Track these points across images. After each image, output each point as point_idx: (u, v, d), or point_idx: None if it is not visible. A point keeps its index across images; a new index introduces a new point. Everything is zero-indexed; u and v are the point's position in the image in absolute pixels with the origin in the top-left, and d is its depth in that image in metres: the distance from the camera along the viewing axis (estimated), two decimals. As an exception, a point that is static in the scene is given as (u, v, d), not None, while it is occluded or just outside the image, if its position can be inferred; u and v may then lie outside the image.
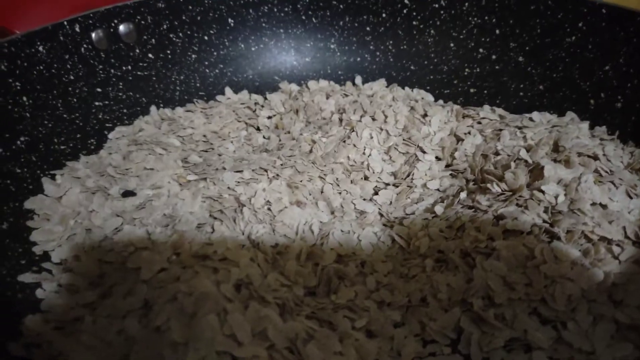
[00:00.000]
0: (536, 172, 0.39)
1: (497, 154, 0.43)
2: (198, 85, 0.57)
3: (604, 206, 0.36)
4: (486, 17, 0.52)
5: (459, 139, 0.46)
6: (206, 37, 0.57)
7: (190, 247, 0.35)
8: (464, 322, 0.33)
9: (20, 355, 0.31)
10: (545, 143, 0.41)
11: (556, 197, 0.37)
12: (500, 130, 0.45)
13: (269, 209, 0.40)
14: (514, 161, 0.41)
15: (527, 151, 0.42)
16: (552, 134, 0.43)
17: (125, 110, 0.52)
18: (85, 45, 0.49)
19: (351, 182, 0.45)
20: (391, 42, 0.57)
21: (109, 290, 0.34)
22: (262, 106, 0.55)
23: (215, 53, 0.57)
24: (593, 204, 0.36)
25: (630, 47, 0.44)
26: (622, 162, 0.40)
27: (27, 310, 0.33)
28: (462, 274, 0.35)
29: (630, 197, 0.37)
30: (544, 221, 0.36)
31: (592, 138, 0.43)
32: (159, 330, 0.29)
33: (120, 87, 0.52)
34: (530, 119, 0.46)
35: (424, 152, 0.46)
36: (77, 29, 0.48)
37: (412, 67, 0.57)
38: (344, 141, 0.48)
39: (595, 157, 0.39)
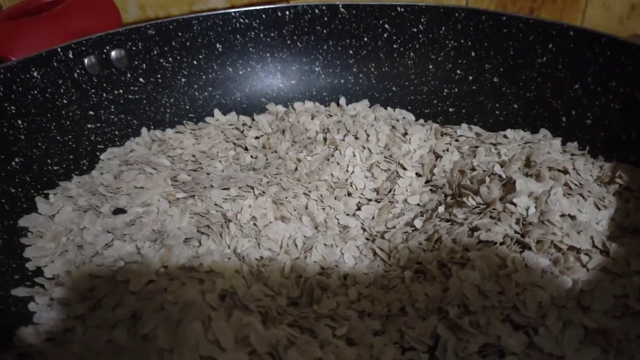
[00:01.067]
0: (509, 186, 0.41)
1: (473, 169, 0.45)
2: (187, 107, 0.59)
3: (572, 217, 0.38)
4: (462, 40, 0.55)
5: (438, 156, 0.48)
6: (195, 62, 0.59)
7: (177, 260, 0.36)
8: (441, 329, 0.34)
9: (13, 366, 0.32)
10: (518, 158, 0.43)
11: (527, 209, 0.39)
12: (477, 147, 0.47)
13: (254, 224, 0.42)
14: (489, 176, 0.43)
15: (501, 166, 0.44)
16: (524, 149, 0.45)
17: (116, 132, 0.54)
18: (78, 71, 0.51)
19: (335, 198, 0.47)
20: (373, 64, 0.60)
21: (99, 302, 0.35)
22: (250, 127, 0.57)
23: (204, 77, 0.60)
24: (562, 215, 0.38)
25: (597, 66, 0.46)
26: (591, 176, 0.42)
27: (20, 323, 0.34)
28: (439, 283, 0.37)
29: (599, 209, 0.39)
30: (516, 232, 0.37)
31: (563, 153, 0.45)
32: (147, 339, 0.30)
33: (112, 110, 0.54)
34: (505, 136, 0.48)
35: (404, 168, 0.48)
36: (70, 55, 0.50)
37: (393, 88, 0.59)
38: (328, 159, 0.50)
39: (565, 171, 0.41)
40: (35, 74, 0.48)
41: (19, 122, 0.46)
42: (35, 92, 0.48)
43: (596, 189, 0.40)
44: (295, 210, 0.44)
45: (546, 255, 0.36)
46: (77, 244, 0.41)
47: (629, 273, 0.34)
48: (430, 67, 0.57)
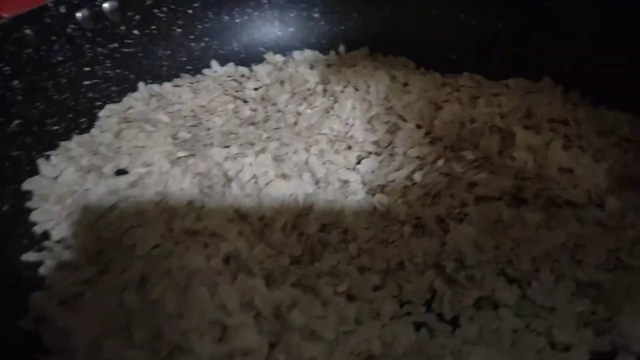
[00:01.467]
0: (508, 139, 0.41)
1: (473, 121, 0.45)
2: (185, 59, 0.58)
3: (570, 170, 0.38)
4: (465, -17, 0.53)
5: (438, 107, 0.48)
6: (190, 11, 0.57)
7: (181, 223, 0.37)
8: (438, 283, 0.35)
9: (29, 329, 0.33)
10: (518, 110, 0.43)
11: (525, 163, 0.39)
12: (477, 97, 0.46)
13: (255, 182, 0.42)
14: (489, 128, 0.43)
15: (501, 118, 0.43)
16: (525, 100, 0.44)
17: (114, 88, 0.53)
18: (71, 26, 0.50)
19: (335, 152, 0.47)
20: (373, 9, 0.58)
21: (107, 266, 0.37)
22: (249, 78, 0.57)
23: (200, 26, 0.58)
24: (560, 169, 0.38)
25: (606, 13, 0.45)
26: (591, 127, 0.42)
27: (32, 287, 0.36)
28: (437, 238, 0.38)
29: (597, 161, 0.39)
30: (513, 187, 0.38)
31: (564, 103, 0.45)
32: (155, 303, 0.31)
33: (108, 65, 0.53)
34: (507, 86, 0.48)
35: (404, 120, 0.48)
36: (62, 10, 0.49)
37: (395, 35, 0.58)
38: (328, 112, 0.50)
39: (565, 123, 0.41)
40: (27, 31, 0.47)
41: (15, 82, 0.46)
42: (30, 50, 0.47)
43: (595, 140, 0.40)
44: (296, 166, 0.44)
45: (542, 209, 0.36)
46: (82, 206, 0.42)
47: (622, 226, 0.34)
48: (434, 11, 0.55)
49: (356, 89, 0.50)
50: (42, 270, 0.38)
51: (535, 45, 0.50)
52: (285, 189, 0.42)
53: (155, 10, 0.55)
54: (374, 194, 0.43)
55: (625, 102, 0.43)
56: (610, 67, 0.44)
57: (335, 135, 0.48)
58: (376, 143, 0.48)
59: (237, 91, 0.55)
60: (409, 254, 0.38)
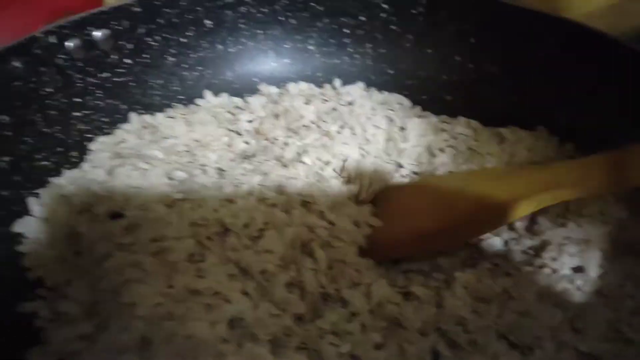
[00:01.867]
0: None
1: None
2: (177, 88, 0.56)
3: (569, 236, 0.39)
4: (463, 25, 0.53)
5: (433, 155, 0.48)
6: (183, 40, 0.56)
7: (183, 279, 0.36)
8: (441, 347, 0.36)
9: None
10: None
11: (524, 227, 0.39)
12: (474, 150, 0.46)
13: (249, 230, 0.42)
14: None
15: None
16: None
17: (105, 119, 0.52)
18: (61, 56, 0.48)
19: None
20: (369, 45, 0.58)
21: (105, 322, 0.36)
22: (243, 110, 0.56)
23: (193, 55, 0.57)
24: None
25: (604, 66, 0.46)
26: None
27: (29, 341, 0.35)
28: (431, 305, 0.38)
29: (599, 224, 0.40)
30: (511, 248, 0.39)
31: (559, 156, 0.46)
32: (159, 372, 0.31)
33: (99, 95, 0.52)
34: (502, 136, 0.48)
35: (401, 166, 0.48)
36: (52, 40, 0.47)
37: (389, 71, 0.58)
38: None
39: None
40: (16, 63, 0.45)
41: (5, 117, 0.44)
42: (19, 83, 0.45)
43: (595, 202, 0.41)
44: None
45: (543, 276, 0.37)
46: (75, 251, 0.41)
47: (622, 296, 0.35)
48: (429, 51, 0.56)
49: (353, 132, 0.50)
50: (37, 322, 0.36)
51: (531, 93, 0.50)
52: (280, 240, 0.41)
53: (147, 39, 0.54)
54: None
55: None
56: (608, 122, 0.45)
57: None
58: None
59: (231, 123, 0.54)
60: (404, 318, 0.38)
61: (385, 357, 0.35)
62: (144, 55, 0.54)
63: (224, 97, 0.57)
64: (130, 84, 0.54)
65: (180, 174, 0.47)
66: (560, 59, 0.48)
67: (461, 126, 0.50)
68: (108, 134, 0.52)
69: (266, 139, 0.52)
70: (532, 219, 0.41)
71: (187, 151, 0.51)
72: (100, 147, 0.50)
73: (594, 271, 0.36)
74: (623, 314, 0.34)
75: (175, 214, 0.42)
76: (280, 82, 0.59)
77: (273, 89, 0.58)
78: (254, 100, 0.56)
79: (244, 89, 0.58)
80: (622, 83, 0.44)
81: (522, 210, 0.37)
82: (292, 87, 0.58)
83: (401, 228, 0.43)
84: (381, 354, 0.36)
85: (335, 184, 0.46)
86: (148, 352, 0.32)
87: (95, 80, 0.51)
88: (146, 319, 0.34)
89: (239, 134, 0.54)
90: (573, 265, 0.37)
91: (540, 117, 0.50)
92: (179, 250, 0.39)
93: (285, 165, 0.47)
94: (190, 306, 0.34)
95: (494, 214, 0.38)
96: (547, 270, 0.37)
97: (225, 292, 0.36)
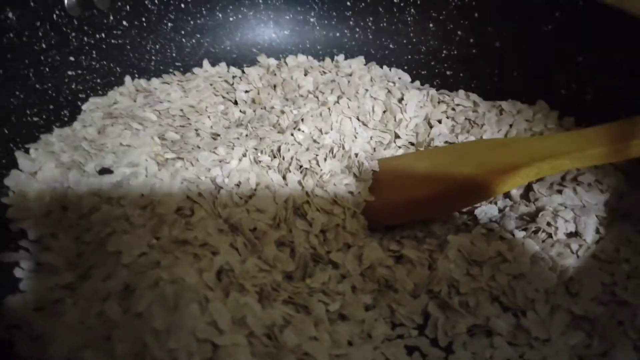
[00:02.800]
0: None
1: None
2: (174, 55, 0.56)
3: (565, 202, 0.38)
4: (465, 1, 0.52)
5: (432, 126, 0.47)
6: (182, 5, 0.55)
7: (170, 231, 0.36)
8: (431, 307, 0.35)
9: (1, 337, 0.31)
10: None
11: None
12: (472, 121, 0.46)
13: (241, 191, 0.41)
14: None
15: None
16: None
17: (98, 80, 0.51)
18: (57, 12, 0.47)
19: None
20: (371, 18, 0.57)
21: (88, 271, 0.35)
22: (240, 79, 0.55)
23: (192, 22, 0.56)
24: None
25: (604, 39, 0.45)
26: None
27: (7, 291, 0.34)
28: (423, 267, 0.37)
29: (598, 191, 0.39)
30: (505, 215, 0.38)
31: (560, 128, 0.45)
32: (141, 317, 0.30)
33: (94, 55, 0.51)
34: (501, 110, 0.47)
35: (398, 137, 0.47)
36: (49, -5, 0.47)
37: (390, 46, 0.57)
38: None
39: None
40: (10, 14, 0.44)
41: (-5, 68, 0.43)
42: (11, 35, 0.44)
43: (594, 171, 0.40)
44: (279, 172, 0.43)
45: (537, 241, 0.36)
46: (62, 205, 0.40)
47: (617, 260, 0.34)
48: (431, 25, 0.55)
49: (351, 103, 0.49)
50: (17, 272, 0.35)
51: (532, 68, 0.50)
52: (271, 199, 0.40)
53: (146, 2, 0.53)
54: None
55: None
56: (608, 95, 0.45)
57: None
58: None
59: (227, 92, 0.54)
60: (395, 280, 0.37)
61: (374, 316, 0.35)
62: (142, 19, 0.53)
63: (222, 67, 0.56)
64: (126, 46, 0.53)
65: (173, 135, 0.46)
66: (561, 33, 0.48)
67: (460, 98, 0.49)
68: (101, 95, 0.51)
69: (263, 108, 0.52)
70: (528, 187, 0.40)
71: (182, 116, 0.50)
72: (93, 107, 0.49)
73: (589, 236, 0.36)
74: (618, 277, 0.33)
75: (166, 171, 0.41)
76: (279, 53, 0.58)
77: (272, 61, 0.57)
78: (252, 71, 0.56)
79: (243, 59, 0.58)
80: (623, 57, 0.44)
81: (520, 180, 0.36)
82: (290, 59, 0.57)
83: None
84: (370, 314, 0.35)
85: (332, 153, 0.45)
86: (131, 299, 0.31)
87: (90, 40, 0.51)
88: (131, 267, 0.33)
89: (235, 102, 0.53)
90: (568, 230, 0.36)
91: (540, 91, 0.49)
92: (168, 203, 0.38)
93: (281, 132, 0.46)
94: (177, 255, 0.33)
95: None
96: (542, 235, 0.36)
97: (214, 244, 0.35)
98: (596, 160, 0.36)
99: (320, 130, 0.47)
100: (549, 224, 0.36)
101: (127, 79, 0.52)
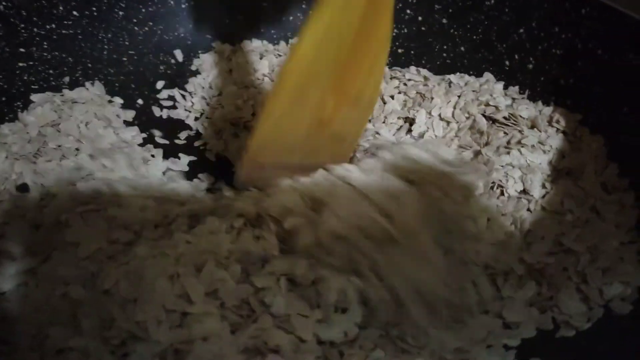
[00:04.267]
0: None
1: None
2: (127, 43, 0.55)
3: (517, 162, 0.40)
4: (412, -21, 0.54)
5: (385, 102, 0.49)
6: (133, -7, 0.55)
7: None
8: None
9: (-35, 321, 0.31)
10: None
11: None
12: (423, 94, 0.47)
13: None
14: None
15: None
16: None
17: (51, 71, 0.50)
18: (4, 3, 0.47)
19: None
20: (322, 1, 0.58)
21: (48, 256, 0.35)
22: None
23: (143, 10, 0.56)
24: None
25: (541, 11, 0.47)
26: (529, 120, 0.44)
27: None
28: None
29: (542, 152, 0.41)
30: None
31: (505, 97, 0.47)
32: (108, 293, 0.30)
33: (45, 46, 0.50)
34: (450, 83, 0.49)
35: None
36: (-6, -15, 0.46)
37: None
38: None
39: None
40: (-45, 6, 0.44)
41: (-58, 61, 0.43)
42: (-43, 26, 0.44)
43: (537, 134, 0.42)
44: None
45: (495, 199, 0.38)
46: (12, 194, 0.40)
47: (563, 212, 0.37)
48: (380, 5, 0.56)
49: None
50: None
51: (478, 42, 0.52)
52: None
53: (96, -9, 0.53)
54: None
55: (561, 98, 0.46)
56: (547, 63, 0.47)
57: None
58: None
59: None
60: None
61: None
62: (92, 8, 0.53)
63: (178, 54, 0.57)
64: (78, 36, 0.53)
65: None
66: (502, 7, 0.50)
67: (411, 74, 0.51)
68: (54, 86, 0.50)
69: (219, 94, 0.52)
70: (478, 152, 0.42)
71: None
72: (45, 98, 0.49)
73: (537, 191, 0.38)
74: (565, 226, 0.36)
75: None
76: (234, 39, 0.58)
77: (227, 46, 0.57)
78: (207, 58, 0.56)
79: (197, 46, 0.58)
80: (562, 27, 0.46)
81: None
82: (246, 44, 0.57)
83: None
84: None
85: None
86: (97, 281, 0.31)
87: (40, 31, 0.50)
88: (91, 258, 0.33)
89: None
90: (519, 188, 0.38)
91: (487, 65, 0.51)
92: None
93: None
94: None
95: None
96: (497, 191, 0.38)
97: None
98: None
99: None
100: (501, 182, 0.38)
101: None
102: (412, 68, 0.52)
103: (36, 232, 0.37)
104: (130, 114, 0.50)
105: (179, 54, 0.57)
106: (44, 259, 0.35)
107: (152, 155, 0.46)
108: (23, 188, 0.41)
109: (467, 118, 0.45)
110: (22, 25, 0.49)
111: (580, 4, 0.44)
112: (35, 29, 0.49)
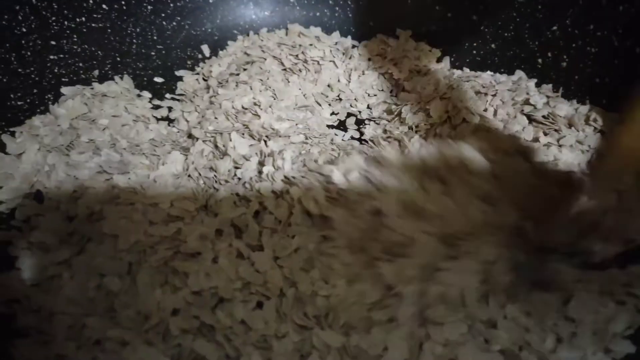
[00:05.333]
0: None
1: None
2: (155, 38, 0.56)
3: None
4: (442, -25, 0.54)
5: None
6: (162, -12, 0.55)
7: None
8: None
9: (1, 311, 0.31)
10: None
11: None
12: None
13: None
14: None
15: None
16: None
17: (81, 64, 0.51)
18: (35, -5, 0.47)
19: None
20: (351, -3, 0.58)
21: (83, 247, 0.35)
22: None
23: (171, 5, 0.56)
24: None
25: (576, 8, 0.46)
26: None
27: (4, 268, 0.34)
28: None
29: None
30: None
31: (539, 95, 0.46)
32: (145, 285, 0.30)
33: (75, 39, 0.50)
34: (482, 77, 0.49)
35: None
36: (27, -22, 0.46)
37: (370, 24, 0.58)
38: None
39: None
40: (-11, -1, 0.44)
41: (-24, 53, 0.43)
42: (-9, 18, 0.44)
43: (575, 134, 0.42)
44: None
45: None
46: (45, 186, 0.40)
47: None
48: (409, 2, 0.56)
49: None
50: (11, 250, 0.35)
51: (509, 39, 0.51)
52: None
53: (125, -15, 0.53)
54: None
55: (596, 96, 0.45)
56: (582, 62, 0.46)
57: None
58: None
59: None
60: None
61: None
62: (121, 2, 0.53)
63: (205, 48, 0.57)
64: (107, 30, 0.53)
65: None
66: (537, 3, 0.49)
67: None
68: (84, 79, 0.50)
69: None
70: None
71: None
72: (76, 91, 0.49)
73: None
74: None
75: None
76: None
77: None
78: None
79: (224, 40, 0.58)
80: (600, 24, 0.45)
81: None
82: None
83: None
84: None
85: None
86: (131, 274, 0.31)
87: (71, 24, 0.50)
88: (130, 251, 0.33)
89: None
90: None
91: (518, 62, 0.50)
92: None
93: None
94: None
95: None
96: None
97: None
98: None
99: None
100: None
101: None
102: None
103: (70, 224, 0.37)
104: (159, 109, 0.50)
105: (205, 49, 0.57)
106: (78, 251, 0.35)
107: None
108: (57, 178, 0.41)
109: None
110: (54, 18, 0.49)
111: (617, 0, 0.43)
112: (65, 22, 0.50)
